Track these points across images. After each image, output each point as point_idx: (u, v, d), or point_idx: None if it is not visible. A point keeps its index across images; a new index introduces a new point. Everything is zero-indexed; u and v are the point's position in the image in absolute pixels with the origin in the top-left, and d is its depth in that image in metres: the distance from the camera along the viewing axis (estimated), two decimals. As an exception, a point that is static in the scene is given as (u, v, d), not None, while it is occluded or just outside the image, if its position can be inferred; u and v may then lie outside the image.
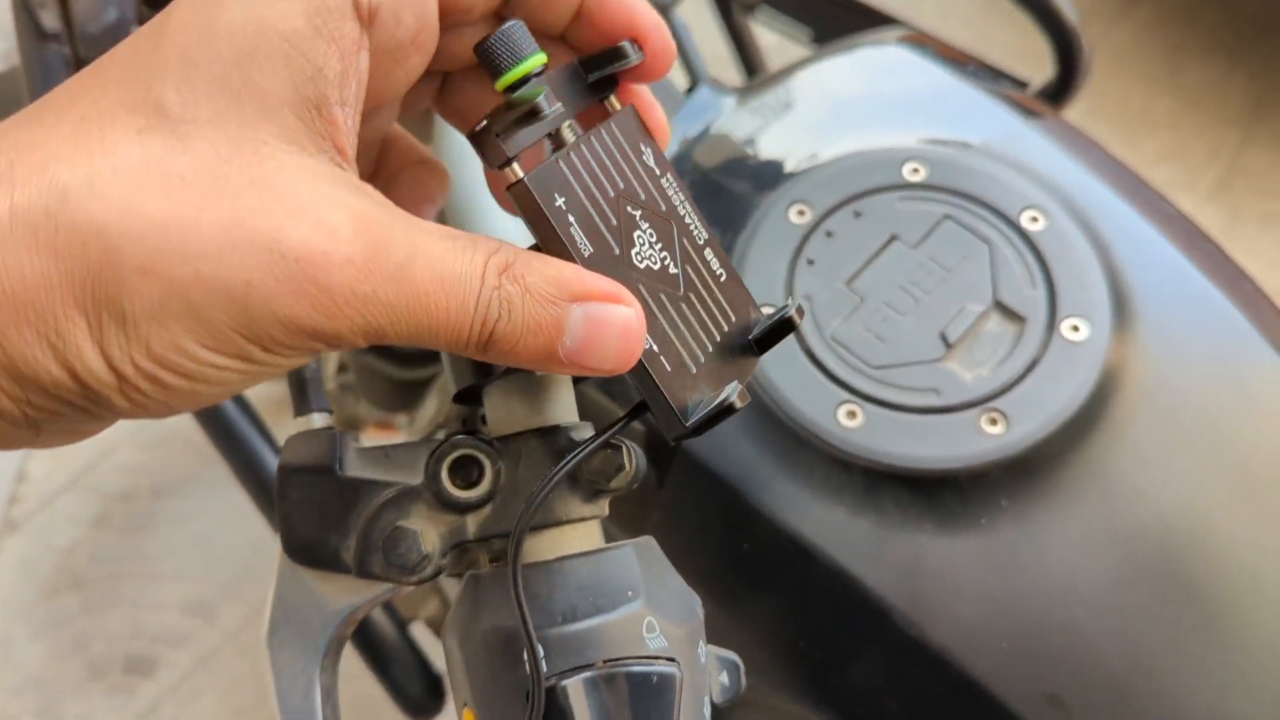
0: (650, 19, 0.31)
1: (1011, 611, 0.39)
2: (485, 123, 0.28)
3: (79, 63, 0.51)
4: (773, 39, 0.99)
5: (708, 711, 0.32)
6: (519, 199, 0.27)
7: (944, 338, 0.43)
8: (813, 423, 0.41)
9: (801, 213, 0.46)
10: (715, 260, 0.31)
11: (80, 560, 1.42)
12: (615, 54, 0.30)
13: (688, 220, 0.31)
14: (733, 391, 0.30)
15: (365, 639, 0.54)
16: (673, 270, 0.30)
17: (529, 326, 0.27)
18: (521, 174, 0.27)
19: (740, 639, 0.44)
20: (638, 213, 0.30)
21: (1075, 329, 0.42)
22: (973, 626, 0.39)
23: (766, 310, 0.32)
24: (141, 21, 0.54)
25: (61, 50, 0.50)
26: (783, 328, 0.31)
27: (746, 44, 0.86)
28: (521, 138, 0.28)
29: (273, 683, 0.34)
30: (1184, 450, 0.41)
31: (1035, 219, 0.45)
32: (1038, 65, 0.75)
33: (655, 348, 0.29)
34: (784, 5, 0.78)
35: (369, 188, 0.27)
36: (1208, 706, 0.38)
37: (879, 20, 0.77)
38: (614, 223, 0.29)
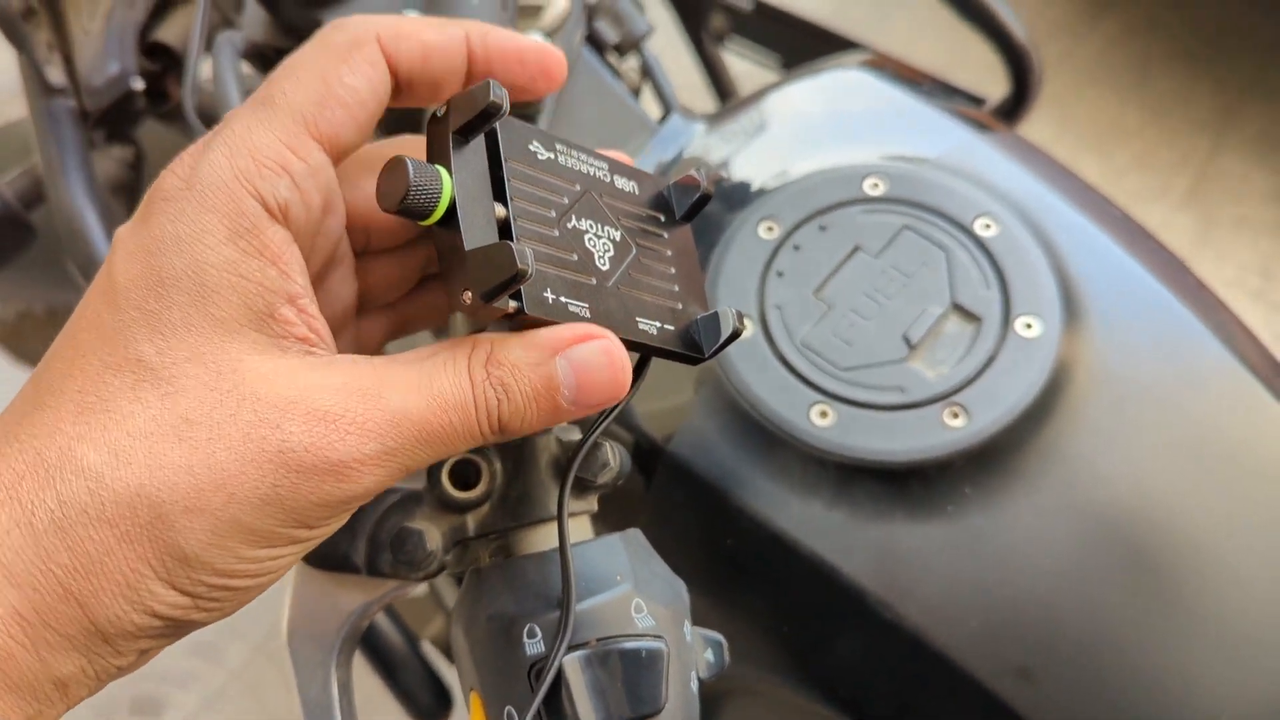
0: (527, 43, 0.34)
1: (980, 591, 0.42)
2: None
3: (84, 114, 0.54)
4: (744, 67, 1.03)
5: (695, 686, 0.34)
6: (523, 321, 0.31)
7: (906, 339, 0.45)
8: (787, 423, 0.44)
9: (770, 229, 0.49)
10: (641, 212, 0.35)
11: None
12: (477, 108, 0.30)
13: (613, 185, 0.35)
14: (731, 318, 0.34)
15: (376, 649, 0.56)
16: (623, 247, 0.34)
17: (528, 397, 0.30)
18: (521, 303, 0.30)
19: (729, 628, 0.46)
20: (573, 219, 0.33)
21: (1028, 326, 0.45)
22: (944, 606, 0.42)
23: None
24: (141, 72, 0.57)
25: (67, 103, 0.53)
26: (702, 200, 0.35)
27: (719, 72, 0.89)
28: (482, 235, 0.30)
29: (293, 678, 0.36)
30: (1136, 434, 0.43)
31: (988, 226, 0.48)
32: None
33: (644, 325, 0.33)
34: (753, 33, 0.81)
35: (340, 357, 0.30)
36: (1169, 673, 0.41)
37: (843, 44, 0.80)
38: (568, 250, 0.32)
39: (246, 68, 0.55)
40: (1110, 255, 0.48)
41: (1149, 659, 0.41)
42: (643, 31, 0.59)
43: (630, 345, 0.33)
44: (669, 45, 0.62)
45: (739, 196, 0.52)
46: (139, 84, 0.56)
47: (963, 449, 0.43)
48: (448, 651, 1.01)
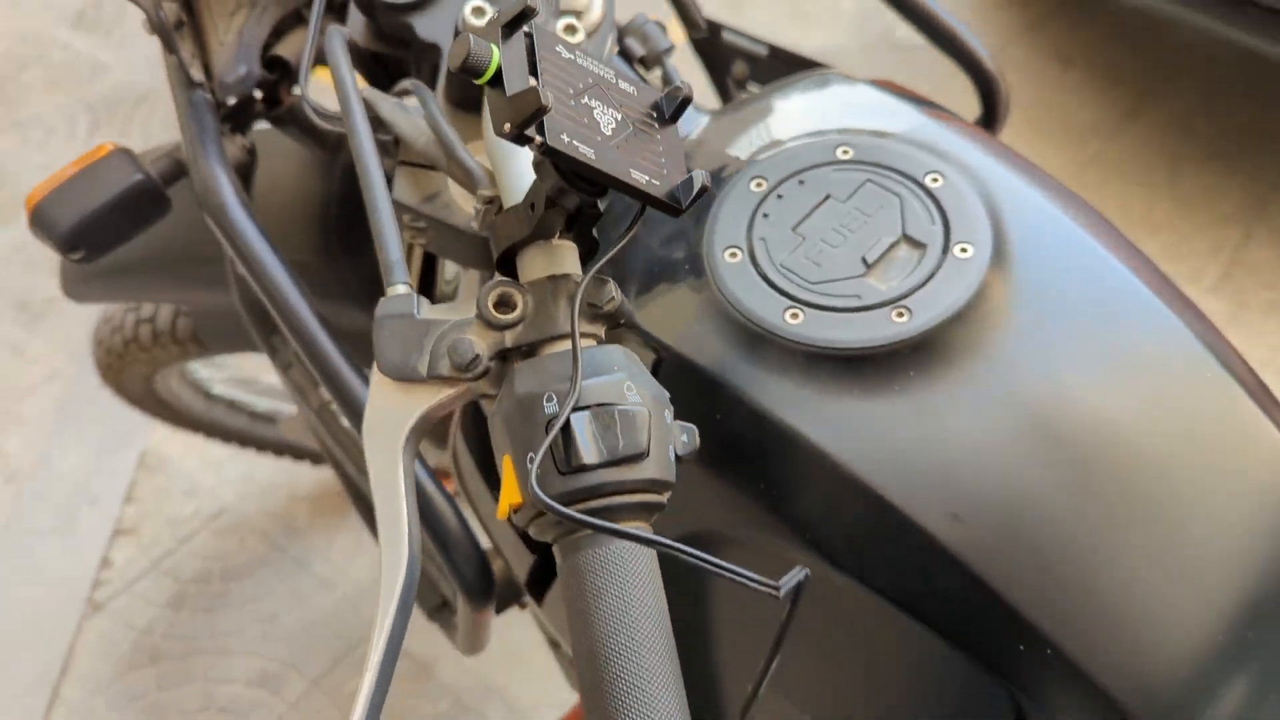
0: None
1: (920, 452, 0.50)
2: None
3: (217, 105, 0.67)
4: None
5: (672, 457, 0.45)
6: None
7: (864, 260, 0.55)
8: (767, 322, 0.53)
9: (759, 184, 0.59)
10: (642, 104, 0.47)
11: (156, 638, 1.53)
12: (516, 10, 0.44)
13: (618, 85, 0.47)
14: (702, 178, 0.45)
15: (434, 528, 0.64)
16: (623, 125, 0.46)
17: None
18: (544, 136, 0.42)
19: (719, 490, 0.55)
20: (585, 98, 0.45)
21: (964, 250, 0.54)
22: (890, 463, 0.50)
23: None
24: (260, 82, 0.70)
25: (205, 95, 0.67)
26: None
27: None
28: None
29: (369, 465, 0.46)
30: (1048, 334, 0.52)
31: (936, 179, 0.57)
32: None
33: (637, 174, 0.44)
34: (769, 76, 0.92)
35: None
36: (1076, 520, 0.48)
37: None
38: (580, 116, 0.44)
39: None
40: (1036, 202, 0.57)
41: (1062, 510, 0.49)
42: (665, 48, 0.71)
43: (625, 189, 0.44)
44: (686, 64, 0.74)
45: (735, 163, 0.62)
46: (258, 91, 0.70)
47: (906, 339, 0.52)
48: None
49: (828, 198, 0.58)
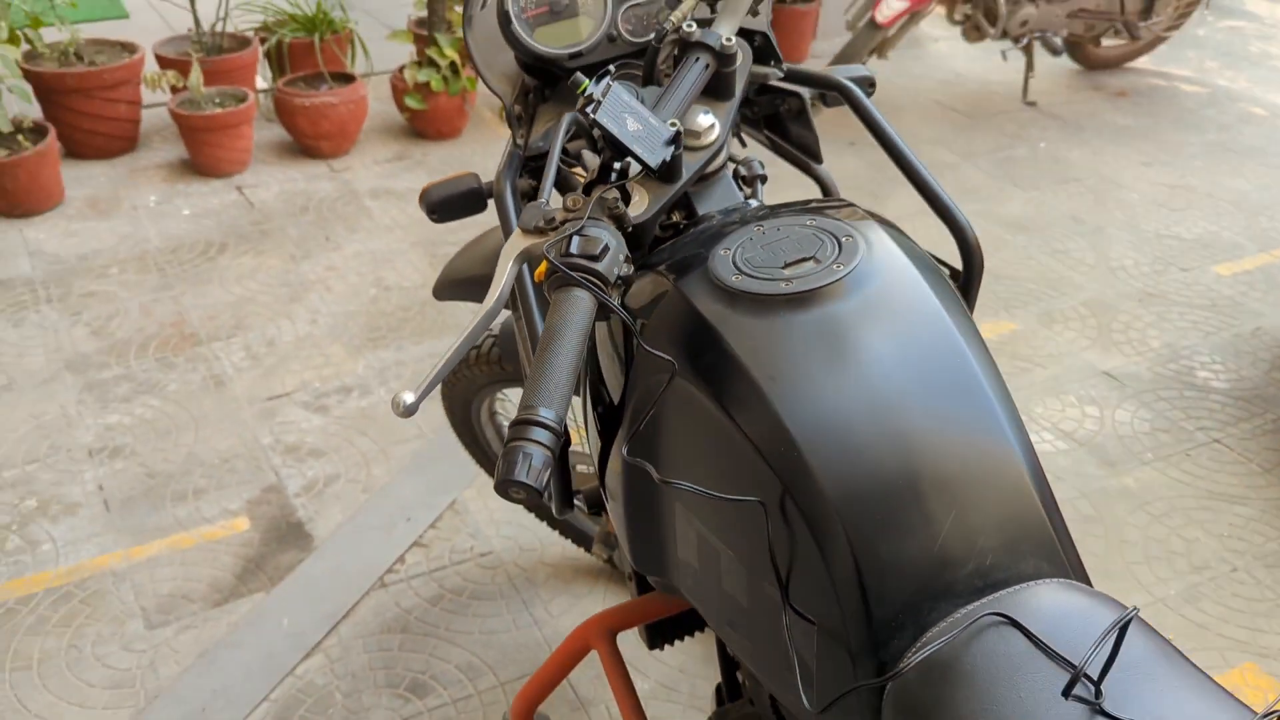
0: None
1: (767, 342, 0.86)
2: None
3: (523, 160, 1.21)
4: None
5: (614, 273, 0.86)
6: None
7: (785, 263, 0.92)
8: (723, 280, 0.94)
9: (759, 228, 1.01)
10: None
11: (411, 618, 2.02)
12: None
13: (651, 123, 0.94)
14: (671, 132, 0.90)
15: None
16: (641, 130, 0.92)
17: None
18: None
19: (691, 389, 0.93)
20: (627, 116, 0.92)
21: (838, 268, 0.90)
22: (751, 347, 0.86)
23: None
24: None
25: (518, 152, 1.21)
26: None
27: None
28: None
29: (499, 267, 0.93)
30: (865, 310, 0.87)
31: (849, 238, 0.95)
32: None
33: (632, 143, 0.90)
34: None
35: None
36: (834, 389, 0.82)
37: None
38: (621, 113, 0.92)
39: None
40: (900, 265, 0.94)
41: (828, 373, 0.84)
42: (759, 173, 1.16)
43: (617, 146, 0.90)
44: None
45: (756, 213, 1.05)
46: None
47: (784, 294, 0.89)
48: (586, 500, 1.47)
49: (787, 236, 0.98)
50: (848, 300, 0.89)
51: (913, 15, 4.28)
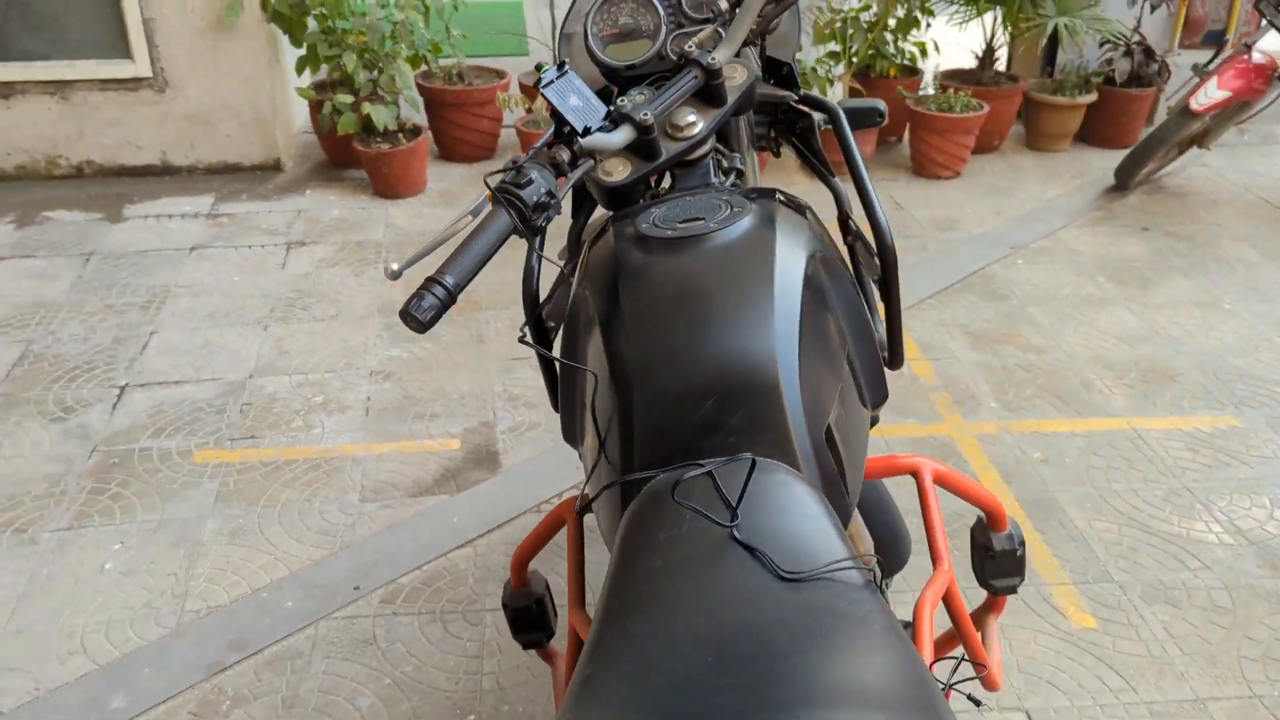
0: None
1: (631, 265, 1.16)
2: None
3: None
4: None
5: (556, 194, 1.21)
6: None
7: (683, 219, 1.22)
8: (638, 226, 1.24)
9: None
10: None
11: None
12: None
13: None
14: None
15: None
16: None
17: None
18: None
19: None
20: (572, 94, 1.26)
21: (716, 225, 1.18)
22: (642, 283, 1.16)
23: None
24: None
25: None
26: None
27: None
28: None
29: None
30: (723, 261, 1.14)
31: (743, 209, 1.22)
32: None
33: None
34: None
35: None
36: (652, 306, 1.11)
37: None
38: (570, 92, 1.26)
39: None
40: (767, 225, 1.19)
41: (664, 294, 1.13)
42: (736, 166, 1.44)
43: (555, 115, 1.24)
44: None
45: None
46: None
47: (676, 236, 1.19)
48: None
49: (702, 203, 1.26)
50: (703, 246, 1.17)
51: (1240, 105, 4.09)
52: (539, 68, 1.30)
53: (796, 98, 1.45)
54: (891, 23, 4.60)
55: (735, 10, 1.36)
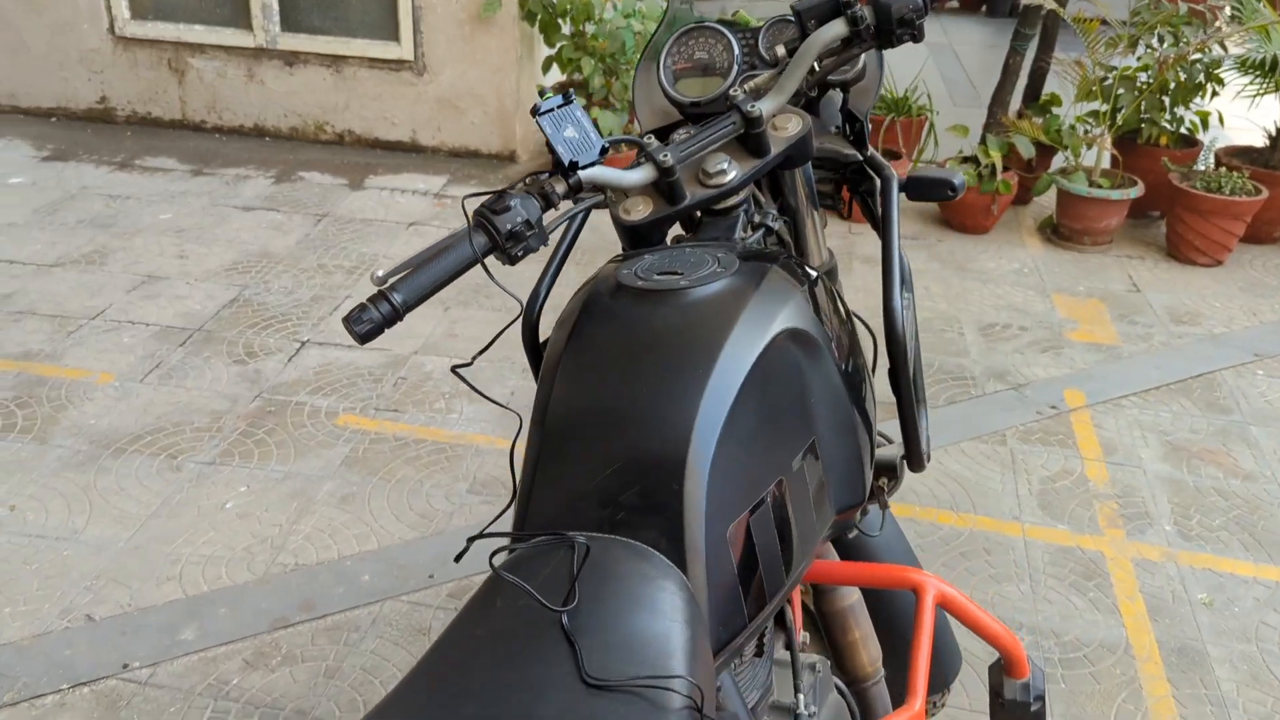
0: None
1: (611, 333, 1.08)
2: None
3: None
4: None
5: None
6: None
7: (661, 271, 1.12)
8: (619, 272, 1.16)
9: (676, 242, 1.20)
10: None
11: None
12: None
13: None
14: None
15: None
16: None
17: None
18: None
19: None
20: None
21: (686, 282, 1.08)
22: (594, 329, 1.09)
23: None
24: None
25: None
26: None
27: None
28: None
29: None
30: (681, 321, 1.04)
31: (725, 268, 1.11)
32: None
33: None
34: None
35: None
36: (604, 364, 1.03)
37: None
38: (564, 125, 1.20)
39: None
40: (744, 288, 1.08)
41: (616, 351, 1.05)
42: (768, 223, 1.32)
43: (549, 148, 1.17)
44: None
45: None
46: None
47: (644, 288, 1.10)
48: None
49: (689, 256, 1.15)
50: (666, 303, 1.08)
51: None
52: (541, 93, 1.22)
53: (862, 159, 1.32)
54: (1170, 86, 4.16)
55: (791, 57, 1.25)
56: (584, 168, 1.18)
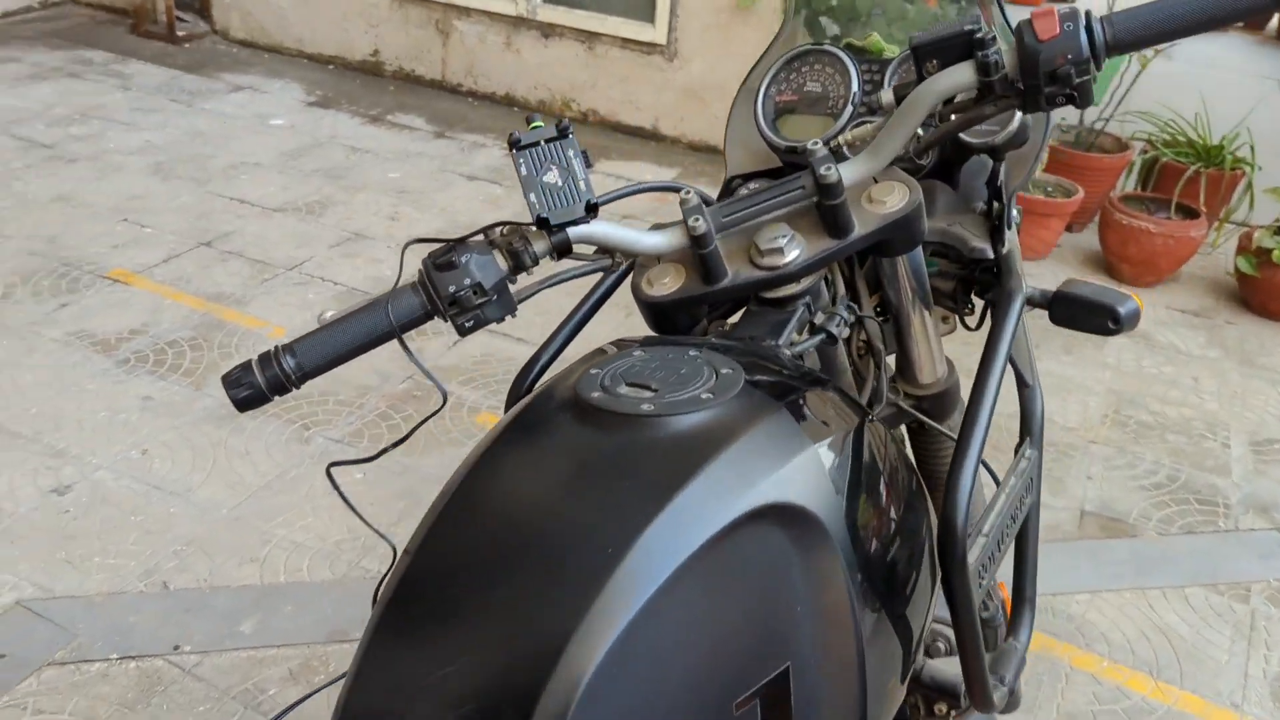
0: None
1: (530, 459, 0.77)
2: None
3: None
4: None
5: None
6: None
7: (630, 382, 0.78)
8: (588, 372, 0.83)
9: (641, 352, 0.84)
10: None
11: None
12: None
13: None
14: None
15: None
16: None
17: None
18: None
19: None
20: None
21: (647, 406, 0.73)
22: (517, 448, 0.77)
23: None
24: None
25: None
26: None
27: None
28: None
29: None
30: (617, 460, 0.71)
31: (706, 396, 0.75)
32: None
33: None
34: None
35: None
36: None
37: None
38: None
39: None
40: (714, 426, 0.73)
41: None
42: (829, 328, 0.94)
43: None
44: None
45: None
46: None
47: (595, 405, 0.77)
48: None
49: (681, 364, 0.81)
50: (613, 434, 0.76)
51: None
52: (529, 122, 0.90)
53: (990, 254, 0.93)
54: None
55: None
56: (556, 228, 0.88)
